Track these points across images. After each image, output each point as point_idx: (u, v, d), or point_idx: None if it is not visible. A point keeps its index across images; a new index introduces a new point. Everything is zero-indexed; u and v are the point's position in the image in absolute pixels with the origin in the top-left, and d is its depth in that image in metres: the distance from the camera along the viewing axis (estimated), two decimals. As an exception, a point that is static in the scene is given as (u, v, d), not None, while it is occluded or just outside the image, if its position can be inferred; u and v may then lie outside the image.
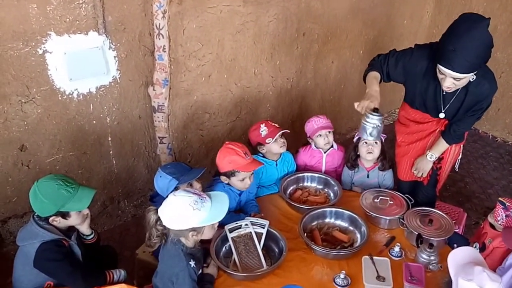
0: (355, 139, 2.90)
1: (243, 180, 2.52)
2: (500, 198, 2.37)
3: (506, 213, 2.27)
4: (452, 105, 2.46)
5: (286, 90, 3.91)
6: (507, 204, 2.32)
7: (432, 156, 2.65)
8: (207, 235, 2.05)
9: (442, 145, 2.62)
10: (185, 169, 2.37)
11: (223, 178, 2.54)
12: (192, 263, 1.99)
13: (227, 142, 2.54)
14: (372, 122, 2.32)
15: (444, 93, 2.40)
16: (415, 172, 2.79)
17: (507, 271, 2.13)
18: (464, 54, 2.07)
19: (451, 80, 2.18)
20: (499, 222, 2.28)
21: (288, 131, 2.90)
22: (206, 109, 3.42)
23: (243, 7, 3.23)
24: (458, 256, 1.91)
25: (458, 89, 2.33)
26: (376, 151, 2.85)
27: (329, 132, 2.99)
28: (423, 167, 2.75)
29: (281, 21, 3.54)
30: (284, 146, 2.89)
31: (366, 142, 2.82)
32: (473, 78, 2.23)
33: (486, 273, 1.73)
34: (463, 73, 2.13)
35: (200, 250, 2.13)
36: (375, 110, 2.31)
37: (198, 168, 2.47)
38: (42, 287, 2.08)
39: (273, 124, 2.86)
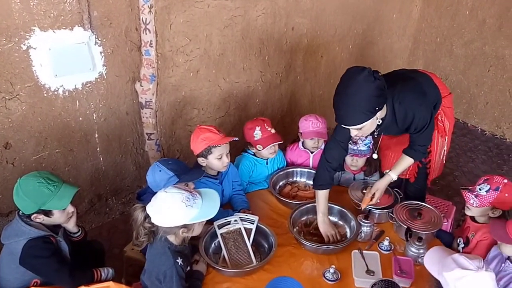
0: None
1: (220, 157, 2.50)
2: (461, 187, 2.40)
3: (474, 193, 2.28)
4: (390, 131, 2.47)
5: (275, 85, 3.89)
6: (470, 187, 2.35)
7: (396, 177, 2.52)
8: (196, 231, 2.04)
9: (406, 163, 2.52)
10: (186, 168, 2.35)
11: (200, 160, 2.53)
12: (179, 260, 1.98)
13: (198, 125, 2.56)
14: (364, 230, 2.42)
15: (376, 133, 2.43)
16: (374, 202, 2.52)
17: (491, 263, 2.15)
18: (348, 110, 2.12)
19: (354, 131, 2.22)
20: (475, 205, 2.28)
21: (282, 141, 2.89)
22: (195, 104, 3.39)
23: (231, 1, 3.20)
24: (432, 258, 1.94)
25: (386, 124, 2.34)
26: (360, 163, 2.89)
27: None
28: (383, 191, 2.53)
29: (269, 16, 3.51)
30: (274, 152, 2.89)
31: (351, 154, 2.86)
32: (379, 122, 2.25)
33: (463, 257, 1.78)
34: (355, 125, 2.16)
35: (188, 247, 2.11)
36: (366, 217, 2.42)
37: (198, 169, 2.47)
38: (28, 286, 2.06)
39: (268, 129, 2.82)
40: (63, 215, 2.10)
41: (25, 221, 2.02)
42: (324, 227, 2.45)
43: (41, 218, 2.03)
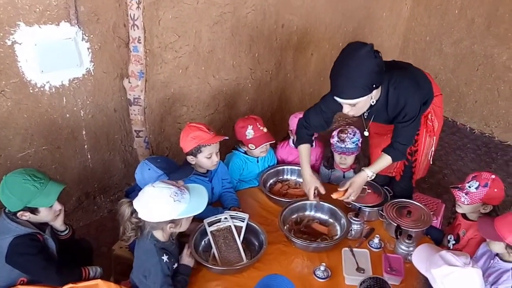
0: (331, 140, 2.88)
1: (210, 157, 2.49)
2: (451, 186, 2.40)
3: (464, 191, 2.29)
4: (379, 117, 2.47)
5: (265, 82, 3.88)
6: (459, 185, 2.35)
7: (373, 175, 2.45)
8: (183, 227, 2.02)
9: (384, 161, 2.47)
10: (175, 166, 2.33)
11: (189, 158, 2.51)
12: (164, 258, 1.96)
13: (188, 123, 2.53)
14: (354, 227, 2.40)
15: (365, 115, 2.44)
16: (346, 196, 2.43)
17: (480, 259, 2.16)
18: (346, 82, 2.12)
19: (347, 106, 2.21)
20: (466, 203, 2.29)
21: (274, 141, 2.87)
22: (184, 102, 3.36)
23: (221, -3, 3.18)
24: (420, 256, 1.95)
25: (377, 107, 2.34)
26: (349, 160, 2.88)
27: None
28: (358, 187, 2.44)
29: (259, 13, 3.49)
30: (266, 151, 2.88)
31: (338, 152, 2.86)
32: (373, 102, 2.26)
33: (450, 254, 1.80)
34: (351, 99, 2.16)
35: (174, 244, 2.09)
36: (356, 215, 2.41)
37: (187, 167, 2.44)
38: (15, 284, 2.02)
39: (261, 128, 2.80)
40: (50, 213, 2.06)
41: (11, 218, 1.98)
42: (308, 178, 2.50)
43: (27, 216, 1.99)
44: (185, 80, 3.28)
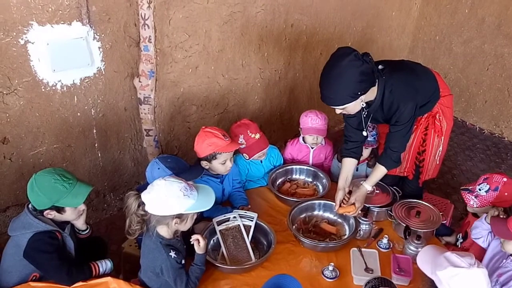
0: None
1: (224, 163, 2.49)
2: (461, 188, 2.41)
3: (474, 194, 2.29)
4: (377, 116, 2.49)
5: (274, 82, 3.88)
6: (470, 187, 2.35)
7: (372, 188, 2.54)
8: (188, 225, 2.03)
9: (379, 172, 2.51)
10: (185, 166, 2.32)
11: (203, 163, 2.51)
12: (172, 253, 1.97)
13: (203, 127, 2.53)
14: (363, 227, 2.41)
15: (364, 114, 2.46)
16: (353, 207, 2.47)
17: (492, 258, 2.15)
18: (331, 91, 2.17)
19: (337, 110, 2.27)
20: (476, 206, 2.29)
21: (268, 147, 2.85)
22: (193, 101, 3.37)
23: (230, -3, 3.19)
24: (425, 257, 1.95)
25: (374, 107, 2.38)
26: (365, 153, 2.88)
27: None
28: (362, 199, 2.48)
29: (268, 12, 3.50)
30: (263, 155, 2.87)
31: None
32: (363, 104, 2.28)
33: (455, 255, 1.80)
34: (337, 106, 2.21)
35: (180, 241, 2.09)
36: (365, 215, 2.42)
37: (197, 167, 2.45)
38: (27, 280, 2.06)
39: (252, 136, 2.75)
40: (75, 213, 2.12)
41: (34, 214, 2.03)
42: (337, 188, 2.53)
43: (52, 214, 2.05)
44: (194, 79, 3.29)
